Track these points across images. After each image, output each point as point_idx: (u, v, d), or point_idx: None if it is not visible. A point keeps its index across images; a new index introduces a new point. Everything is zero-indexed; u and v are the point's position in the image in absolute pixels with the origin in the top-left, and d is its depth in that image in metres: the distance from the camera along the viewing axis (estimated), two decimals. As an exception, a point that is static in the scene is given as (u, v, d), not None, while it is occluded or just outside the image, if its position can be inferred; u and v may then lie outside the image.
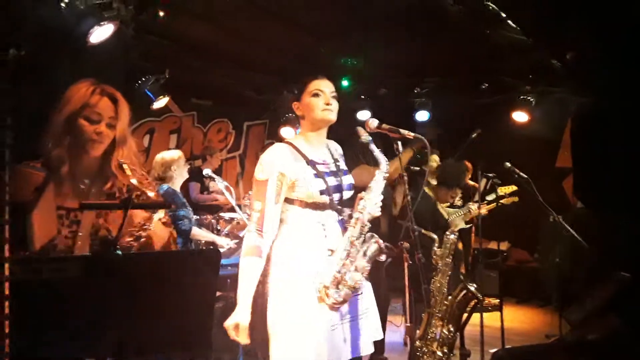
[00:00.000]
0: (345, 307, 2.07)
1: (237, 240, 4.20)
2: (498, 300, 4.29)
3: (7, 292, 1.14)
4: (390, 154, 2.27)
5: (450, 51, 4.96)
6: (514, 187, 4.67)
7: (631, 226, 4.25)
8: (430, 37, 4.60)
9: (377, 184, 2.13)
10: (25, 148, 1.63)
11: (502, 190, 4.65)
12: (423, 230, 3.18)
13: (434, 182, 4.16)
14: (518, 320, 5.61)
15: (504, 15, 4.07)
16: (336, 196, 2.13)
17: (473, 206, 4.41)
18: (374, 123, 2.26)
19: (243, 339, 1.98)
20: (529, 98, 5.41)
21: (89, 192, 1.81)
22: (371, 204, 2.10)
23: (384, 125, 2.26)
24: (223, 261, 3.56)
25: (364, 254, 2.07)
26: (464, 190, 4.63)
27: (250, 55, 5.28)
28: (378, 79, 5.90)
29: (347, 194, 2.19)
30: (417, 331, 2.89)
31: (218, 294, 3.62)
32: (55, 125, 1.74)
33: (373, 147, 2.17)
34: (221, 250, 4.03)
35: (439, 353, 2.82)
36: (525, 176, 3.80)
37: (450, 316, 2.92)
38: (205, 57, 5.13)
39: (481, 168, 3.95)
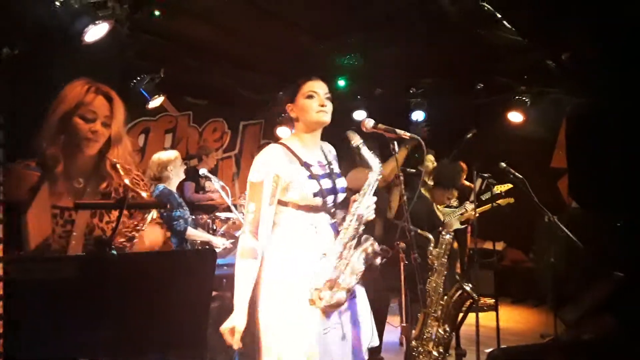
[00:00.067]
0: (338, 312, 2.04)
1: (233, 240, 4.19)
2: (493, 300, 4.30)
3: (0, 292, 1.13)
4: (387, 155, 2.26)
5: (445, 51, 4.96)
6: (509, 185, 4.69)
7: (626, 226, 4.27)
8: (426, 38, 4.61)
9: (370, 186, 2.12)
10: (20, 147, 1.62)
11: (498, 188, 4.67)
12: (419, 230, 3.18)
13: (430, 182, 4.16)
14: (513, 320, 5.62)
15: (499, 15, 4.08)
16: (330, 199, 2.12)
17: (469, 206, 4.42)
18: (369, 123, 2.25)
19: (237, 343, 1.96)
20: (524, 98, 5.43)
21: (84, 192, 1.80)
22: (364, 206, 2.08)
23: (380, 125, 2.25)
24: (219, 261, 3.54)
25: (358, 257, 2.05)
26: (459, 190, 4.65)
27: (246, 54, 5.28)
28: (374, 79, 5.90)
29: (340, 197, 2.18)
30: (413, 331, 2.89)
31: (214, 293, 3.61)
32: (49, 124, 1.73)
33: (364, 151, 2.14)
34: (217, 250, 4.02)
35: (435, 353, 2.82)
36: (521, 176, 3.82)
37: (446, 316, 2.92)
38: (201, 57, 5.12)
39: (476, 168, 3.96)
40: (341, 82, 5.73)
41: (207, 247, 4.09)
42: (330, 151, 2.30)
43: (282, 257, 2.05)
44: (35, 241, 1.63)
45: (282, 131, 5.83)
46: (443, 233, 3.17)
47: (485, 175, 4.14)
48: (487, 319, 4.19)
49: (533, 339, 4.71)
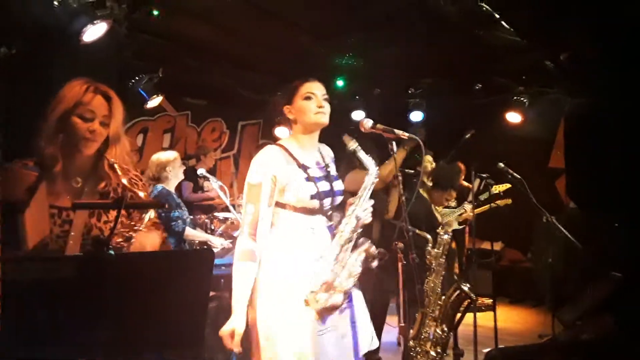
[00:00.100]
0: (335, 315, 2.03)
1: (231, 240, 4.19)
2: (491, 300, 4.31)
3: (-2, 292, 1.13)
4: (385, 155, 2.26)
5: (444, 52, 4.97)
6: (507, 186, 4.69)
7: (624, 226, 4.28)
8: (425, 38, 4.61)
9: (367, 189, 2.10)
10: (18, 146, 1.62)
11: (496, 188, 4.67)
12: (417, 231, 3.18)
13: (429, 183, 4.16)
14: (511, 320, 5.62)
15: (497, 16, 4.08)
16: (327, 201, 2.11)
17: (468, 206, 4.42)
18: (368, 123, 2.25)
19: (236, 346, 1.94)
20: (522, 99, 5.43)
21: (82, 191, 1.79)
22: (361, 209, 2.07)
23: (379, 126, 2.24)
24: (217, 261, 3.54)
25: (355, 260, 2.04)
26: (458, 191, 4.65)
27: (245, 54, 5.27)
28: (373, 79, 5.90)
29: (337, 199, 2.17)
30: (411, 331, 2.89)
31: (212, 293, 3.60)
32: (48, 123, 1.73)
33: (361, 154, 2.13)
34: (215, 249, 4.01)
35: (433, 353, 2.83)
36: (519, 176, 3.82)
37: (443, 316, 2.93)
38: (200, 56, 5.12)
39: (475, 168, 3.96)
40: (340, 82, 5.73)
41: (205, 247, 4.08)
42: (328, 153, 2.28)
43: (279, 258, 2.04)
44: (32, 241, 1.63)
45: (280, 131, 5.82)
46: (441, 233, 3.17)
47: (484, 175, 4.13)
48: (485, 319, 4.20)
49: (531, 339, 4.71)
